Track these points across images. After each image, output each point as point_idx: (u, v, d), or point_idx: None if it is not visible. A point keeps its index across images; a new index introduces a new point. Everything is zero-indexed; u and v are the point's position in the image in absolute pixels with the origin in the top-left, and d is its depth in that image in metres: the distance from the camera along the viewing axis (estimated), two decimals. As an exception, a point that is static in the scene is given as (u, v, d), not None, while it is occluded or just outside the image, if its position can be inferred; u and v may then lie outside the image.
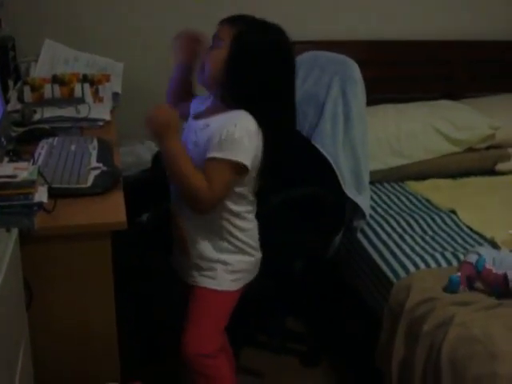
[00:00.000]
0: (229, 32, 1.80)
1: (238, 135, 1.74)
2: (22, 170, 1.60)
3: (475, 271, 2.03)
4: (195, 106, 2.03)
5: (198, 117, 1.94)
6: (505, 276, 1.98)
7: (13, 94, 2.50)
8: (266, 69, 1.79)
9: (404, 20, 3.39)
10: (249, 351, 2.61)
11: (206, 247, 1.91)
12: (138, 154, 2.87)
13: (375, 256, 2.39)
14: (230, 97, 1.81)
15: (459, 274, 2.06)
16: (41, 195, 1.57)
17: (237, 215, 1.90)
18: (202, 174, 1.75)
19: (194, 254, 1.93)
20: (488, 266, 2.01)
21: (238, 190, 1.86)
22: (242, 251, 1.94)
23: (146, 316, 2.61)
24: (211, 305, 1.95)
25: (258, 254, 2.00)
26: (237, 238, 1.91)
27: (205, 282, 1.93)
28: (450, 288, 2.05)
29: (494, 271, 2.00)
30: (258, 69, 1.78)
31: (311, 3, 3.24)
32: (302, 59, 2.65)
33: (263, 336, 2.74)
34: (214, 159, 1.76)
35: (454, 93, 3.41)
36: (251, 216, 1.95)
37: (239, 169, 1.78)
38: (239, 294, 1.98)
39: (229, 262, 1.92)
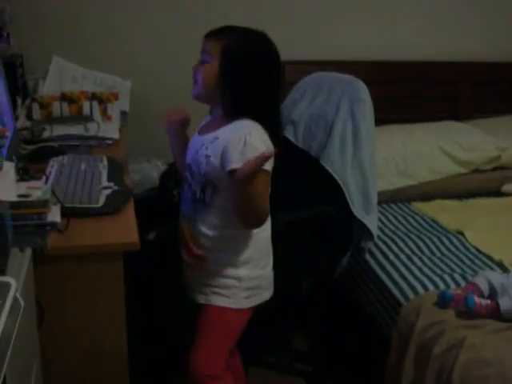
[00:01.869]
0: (216, 45, 1.78)
1: (257, 143, 1.70)
2: (35, 190, 1.61)
3: (467, 310, 2.01)
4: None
5: (202, 132, 1.91)
6: (497, 304, 1.99)
7: (21, 112, 2.50)
8: (258, 76, 1.78)
9: (410, 41, 3.40)
10: (256, 371, 2.59)
11: (223, 263, 1.88)
12: (145, 172, 2.86)
13: (383, 277, 2.38)
14: (231, 109, 1.79)
15: (456, 291, 2.08)
16: (54, 215, 1.58)
17: None
18: None
19: (211, 271, 1.89)
20: (476, 300, 2.01)
21: None
22: (256, 264, 1.90)
23: (154, 333, 2.59)
24: (222, 324, 1.92)
25: (270, 269, 1.96)
26: (251, 247, 1.87)
27: (218, 300, 1.90)
28: (439, 302, 2.07)
29: (483, 303, 2.01)
30: (250, 78, 1.77)
31: (318, 24, 3.25)
32: (310, 80, 2.67)
33: (270, 356, 2.73)
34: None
35: (460, 113, 3.42)
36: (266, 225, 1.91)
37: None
38: (252, 313, 1.95)
39: (243, 278, 1.88)
